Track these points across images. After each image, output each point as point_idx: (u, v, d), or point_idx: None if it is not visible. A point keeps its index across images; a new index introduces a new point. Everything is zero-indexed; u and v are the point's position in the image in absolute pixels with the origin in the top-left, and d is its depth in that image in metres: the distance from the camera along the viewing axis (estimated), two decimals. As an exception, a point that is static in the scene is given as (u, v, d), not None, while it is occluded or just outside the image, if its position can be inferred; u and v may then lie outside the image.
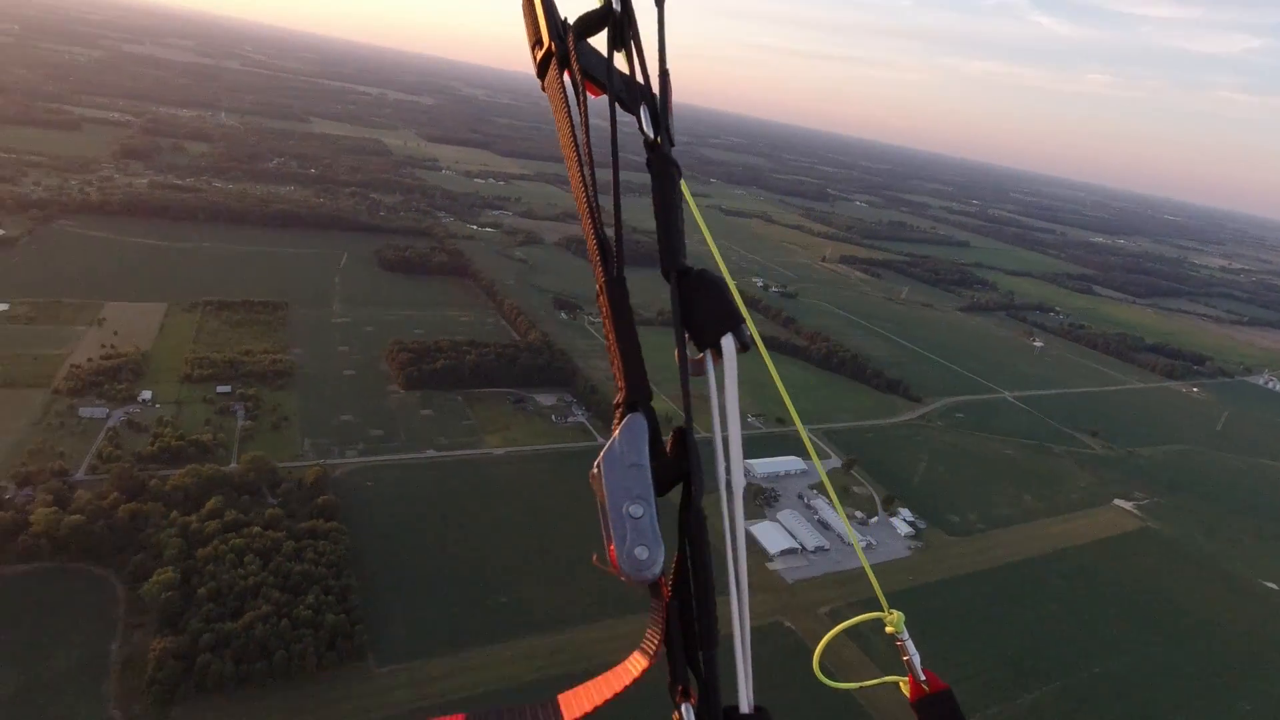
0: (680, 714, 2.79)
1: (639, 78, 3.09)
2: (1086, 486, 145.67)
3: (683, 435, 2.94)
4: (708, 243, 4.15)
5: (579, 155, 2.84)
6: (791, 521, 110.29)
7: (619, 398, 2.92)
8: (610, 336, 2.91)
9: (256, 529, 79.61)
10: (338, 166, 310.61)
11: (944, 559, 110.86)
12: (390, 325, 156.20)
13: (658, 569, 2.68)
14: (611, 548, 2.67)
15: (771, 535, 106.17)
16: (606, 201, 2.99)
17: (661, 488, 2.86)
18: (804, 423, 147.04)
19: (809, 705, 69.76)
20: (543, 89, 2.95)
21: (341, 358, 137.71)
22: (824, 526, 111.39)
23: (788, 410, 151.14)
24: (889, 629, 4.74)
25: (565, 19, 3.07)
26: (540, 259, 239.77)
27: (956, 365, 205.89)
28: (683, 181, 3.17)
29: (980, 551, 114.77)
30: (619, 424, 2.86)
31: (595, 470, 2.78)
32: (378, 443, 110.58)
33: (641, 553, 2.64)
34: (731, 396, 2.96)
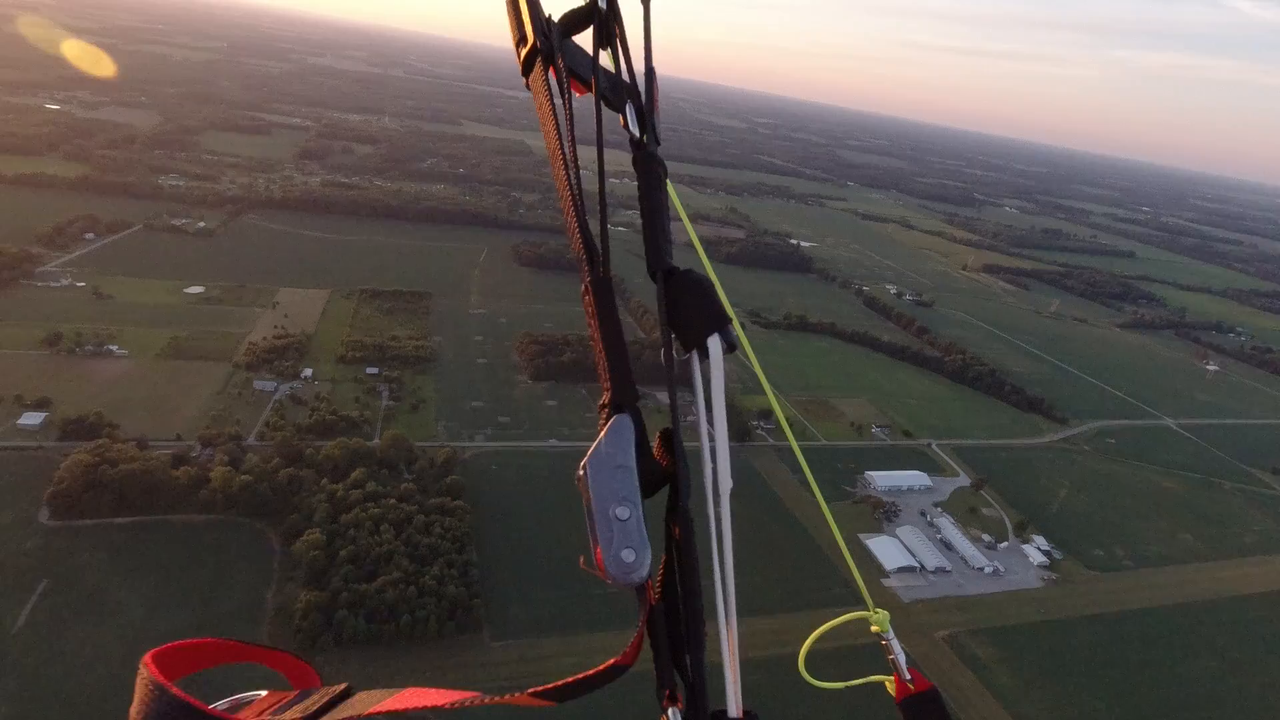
0: (667, 718, 2.79)
1: (625, 76, 3.13)
2: (1263, 530, 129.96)
3: (670, 437, 2.96)
4: (694, 244, 4.14)
5: (564, 154, 2.87)
6: (911, 538, 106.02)
7: (605, 399, 2.91)
8: (595, 337, 2.90)
9: (392, 501, 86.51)
10: (483, 166, 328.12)
11: (1081, 595, 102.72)
12: (522, 318, 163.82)
13: (644, 572, 2.66)
14: (598, 551, 2.65)
15: (889, 550, 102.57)
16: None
17: (648, 490, 2.85)
18: (931, 437, 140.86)
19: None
20: (526, 86, 2.97)
21: (476, 347, 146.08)
22: (946, 547, 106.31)
23: (919, 424, 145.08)
24: (874, 629, 4.73)
25: (550, 16, 3.08)
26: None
27: (1111, 386, 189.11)
28: (669, 181, 3.28)
29: (1125, 591, 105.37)
30: (605, 425, 2.84)
31: (581, 472, 2.75)
32: (504, 429, 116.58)
33: (628, 555, 2.61)
34: (718, 397, 2.97)
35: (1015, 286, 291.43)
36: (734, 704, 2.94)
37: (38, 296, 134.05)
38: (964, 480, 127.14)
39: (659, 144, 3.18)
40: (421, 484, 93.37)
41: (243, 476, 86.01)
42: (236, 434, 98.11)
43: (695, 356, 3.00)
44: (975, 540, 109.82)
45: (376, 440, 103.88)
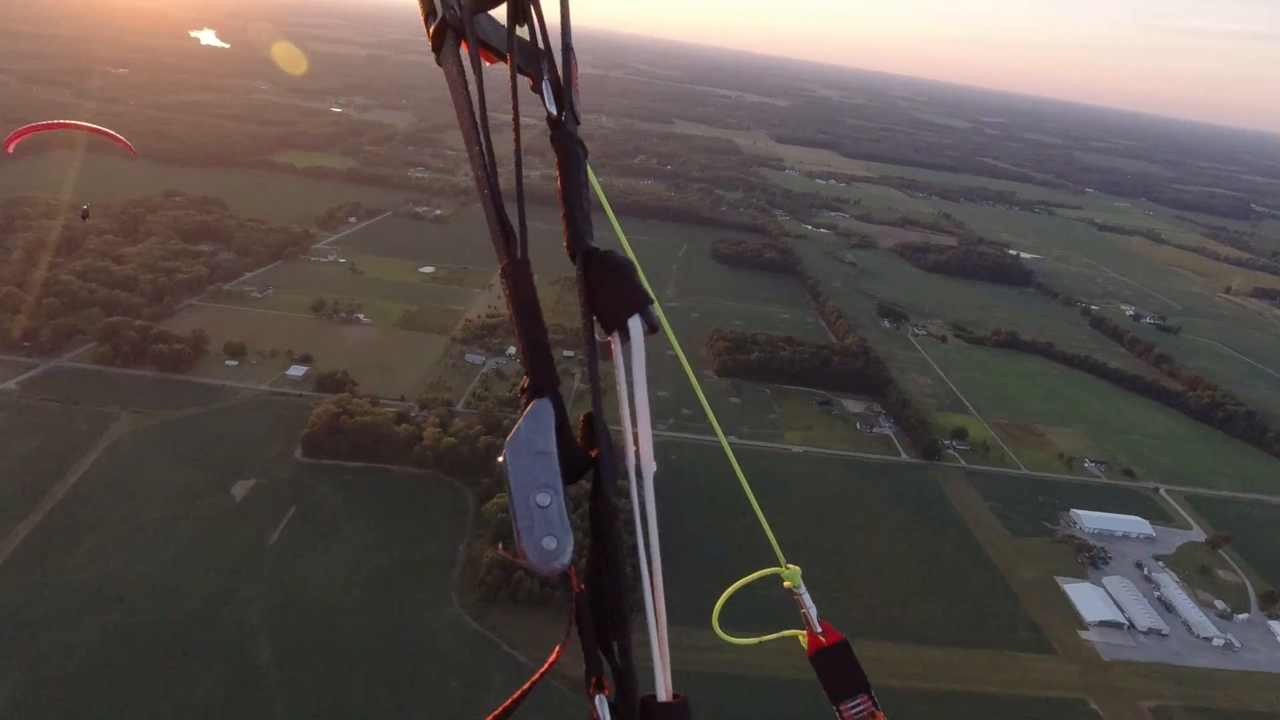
0: (594, 706, 2.77)
1: (542, 52, 3.01)
2: None
3: (591, 421, 2.92)
4: (614, 227, 3.99)
5: (478, 132, 2.80)
6: (1121, 591, 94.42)
7: (524, 383, 2.88)
8: (513, 320, 2.86)
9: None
10: (690, 164, 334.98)
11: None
12: (714, 314, 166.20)
13: (566, 559, 2.61)
14: (520, 537, 2.60)
15: (1090, 600, 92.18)
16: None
17: (570, 475, 2.81)
18: (1160, 480, 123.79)
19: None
20: (438, 63, 2.88)
21: (666, 339, 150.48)
22: (1165, 607, 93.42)
23: (1145, 464, 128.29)
24: (786, 584, 4.84)
25: None
26: (872, 263, 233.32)
27: None
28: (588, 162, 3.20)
29: None
30: (524, 410, 2.80)
31: (500, 459, 2.73)
32: (686, 421, 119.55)
33: (549, 543, 2.57)
34: (640, 379, 2.94)
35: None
36: (663, 689, 2.96)
37: (310, 269, 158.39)
38: (1197, 534, 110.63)
39: (579, 123, 3.11)
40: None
41: (449, 438, 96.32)
42: (448, 400, 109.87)
43: (617, 339, 2.97)
44: (1205, 606, 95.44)
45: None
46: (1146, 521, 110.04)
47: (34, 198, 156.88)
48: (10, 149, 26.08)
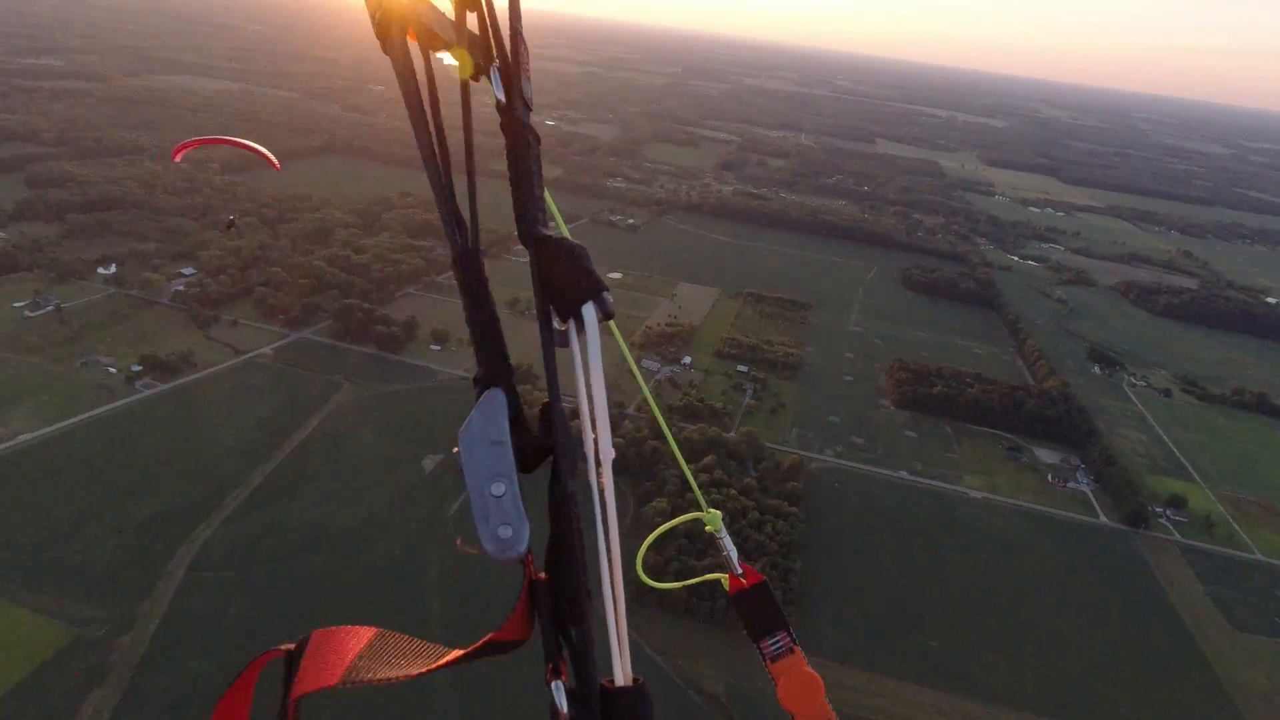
0: (552, 691, 2.77)
1: (490, 39, 2.95)
2: None
3: (548, 410, 2.90)
4: (555, 216, 3.77)
5: (427, 122, 2.76)
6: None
7: (477, 373, 2.90)
8: (466, 310, 2.88)
9: (733, 492, 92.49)
10: (889, 186, 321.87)
11: None
12: (898, 342, 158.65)
13: (522, 547, 2.63)
14: (477, 529, 2.61)
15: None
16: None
17: (527, 465, 2.84)
18: None
19: None
20: (384, 52, 2.78)
21: (845, 363, 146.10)
22: None
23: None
24: (708, 528, 5.00)
25: None
26: (1086, 302, 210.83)
27: None
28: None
29: None
30: (477, 400, 2.81)
31: (455, 450, 2.74)
32: (856, 450, 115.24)
33: (505, 531, 2.58)
34: (595, 366, 2.94)
35: None
36: (621, 673, 2.99)
37: (510, 268, 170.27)
38: None
39: (530, 110, 3.09)
40: (763, 484, 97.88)
41: (616, 439, 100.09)
42: (620, 402, 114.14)
43: (572, 326, 2.98)
44: None
45: (733, 433, 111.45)
46: None
47: (306, 194, 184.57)
48: (178, 159, 30.44)
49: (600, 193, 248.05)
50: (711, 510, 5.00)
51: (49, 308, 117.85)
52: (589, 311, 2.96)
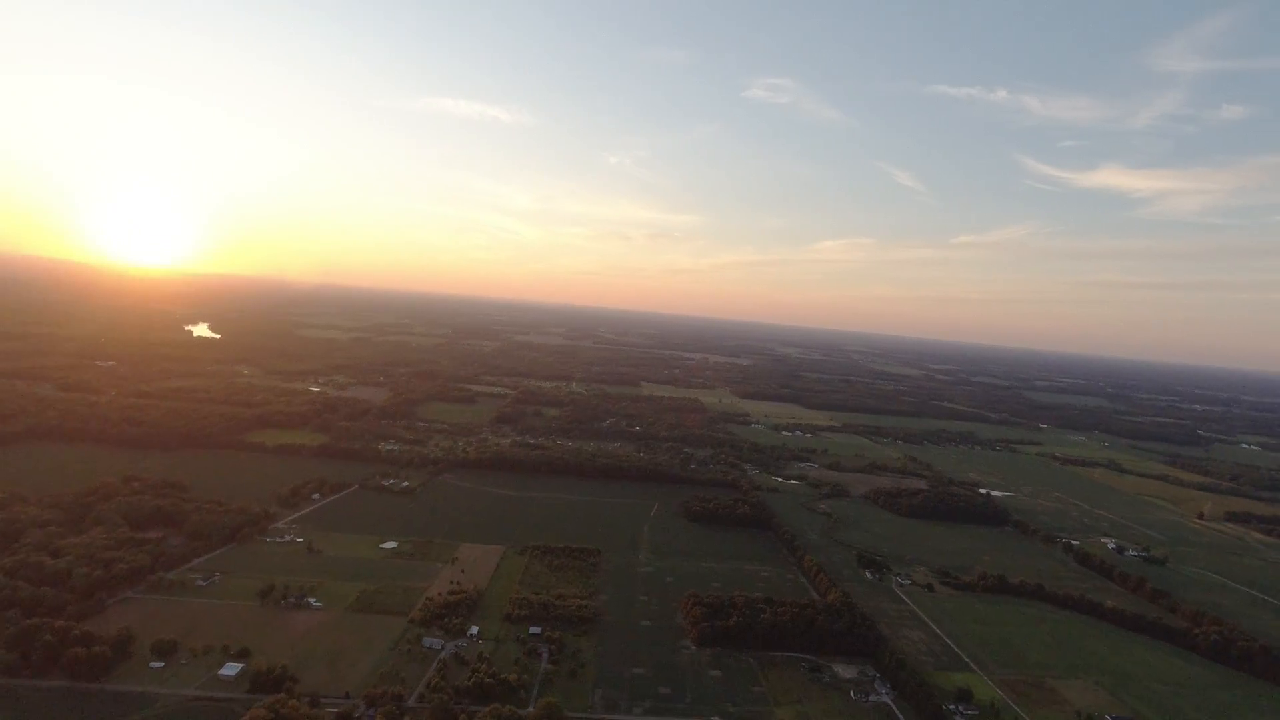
0: None
1: None
2: None
3: None
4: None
5: None
6: None
7: None
8: None
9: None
10: (659, 424, 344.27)
11: None
12: (690, 576, 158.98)
13: None
14: None
15: None
16: None
17: None
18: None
19: None
20: None
21: (641, 607, 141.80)
22: None
23: (1171, 716, 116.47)
24: None
25: None
26: (846, 512, 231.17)
27: None
28: None
29: None
30: None
31: None
32: (664, 702, 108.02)
33: None
34: None
35: (1275, 538, 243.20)
36: None
37: (264, 551, 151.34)
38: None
39: None
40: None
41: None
42: (399, 694, 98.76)
43: None
44: None
45: (531, 708, 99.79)
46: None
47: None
48: None
49: (371, 457, 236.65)
50: None
51: None
52: None
